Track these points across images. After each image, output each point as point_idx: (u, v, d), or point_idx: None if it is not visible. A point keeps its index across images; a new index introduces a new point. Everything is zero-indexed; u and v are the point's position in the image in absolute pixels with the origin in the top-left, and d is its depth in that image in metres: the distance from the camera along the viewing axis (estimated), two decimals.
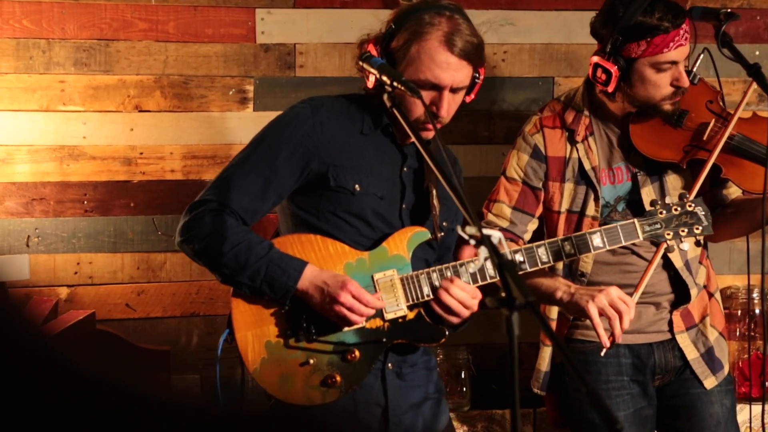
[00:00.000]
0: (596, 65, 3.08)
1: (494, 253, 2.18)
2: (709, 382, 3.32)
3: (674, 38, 3.03)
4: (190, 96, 3.95)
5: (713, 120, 3.24)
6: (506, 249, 2.27)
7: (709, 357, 3.34)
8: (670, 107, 3.13)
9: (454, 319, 2.87)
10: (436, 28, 2.81)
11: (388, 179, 2.93)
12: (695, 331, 3.33)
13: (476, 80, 2.89)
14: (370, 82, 2.85)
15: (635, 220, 2.98)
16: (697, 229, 3.01)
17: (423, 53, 2.80)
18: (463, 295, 2.83)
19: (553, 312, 3.29)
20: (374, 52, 2.84)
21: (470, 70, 2.85)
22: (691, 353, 3.31)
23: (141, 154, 3.93)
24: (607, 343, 2.99)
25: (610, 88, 3.08)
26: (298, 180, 2.86)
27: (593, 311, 2.95)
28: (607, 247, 2.97)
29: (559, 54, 4.05)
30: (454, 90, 2.83)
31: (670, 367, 3.31)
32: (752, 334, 4.06)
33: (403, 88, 2.67)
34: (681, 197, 3.02)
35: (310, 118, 2.86)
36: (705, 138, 3.21)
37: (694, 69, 3.14)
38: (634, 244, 3.10)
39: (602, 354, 3.11)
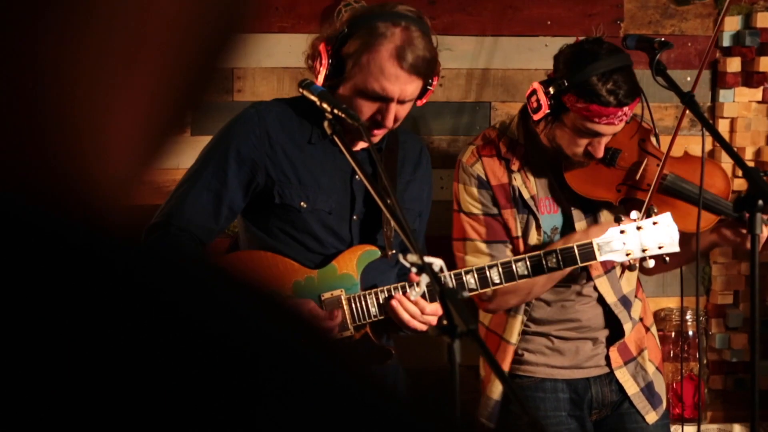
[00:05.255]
0: (534, 91, 3.05)
1: (435, 281, 2.18)
2: (651, 417, 3.31)
3: (609, 115, 2.96)
4: None
5: (646, 159, 3.25)
6: (447, 276, 2.28)
7: (650, 391, 3.32)
8: (573, 163, 3.12)
9: (406, 331, 2.80)
10: (388, 40, 2.72)
11: (338, 189, 2.86)
12: (634, 365, 3.31)
13: (428, 87, 2.82)
14: (319, 80, 2.78)
15: (593, 240, 2.97)
16: (661, 247, 2.97)
17: (373, 64, 2.72)
18: (414, 310, 2.76)
19: (514, 336, 3.23)
20: (324, 53, 2.77)
21: (420, 83, 2.77)
22: (632, 388, 3.29)
23: None
24: None
25: (536, 118, 3.07)
26: (247, 194, 2.81)
27: None
28: (563, 269, 2.97)
29: (495, 79, 4.07)
30: (401, 101, 2.76)
31: (607, 401, 3.29)
32: (685, 355, 4.12)
33: (343, 115, 2.61)
34: (649, 212, 2.98)
35: (257, 127, 2.81)
36: (638, 178, 3.21)
37: None
38: (574, 281, 3.12)
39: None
